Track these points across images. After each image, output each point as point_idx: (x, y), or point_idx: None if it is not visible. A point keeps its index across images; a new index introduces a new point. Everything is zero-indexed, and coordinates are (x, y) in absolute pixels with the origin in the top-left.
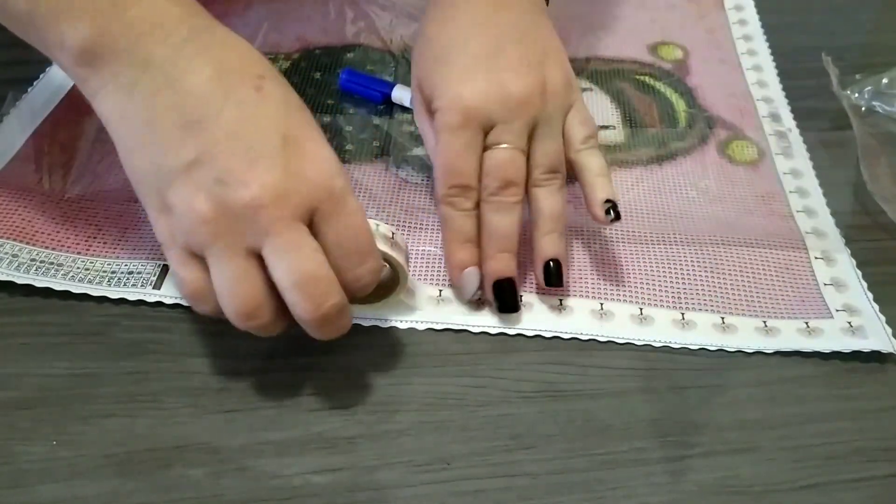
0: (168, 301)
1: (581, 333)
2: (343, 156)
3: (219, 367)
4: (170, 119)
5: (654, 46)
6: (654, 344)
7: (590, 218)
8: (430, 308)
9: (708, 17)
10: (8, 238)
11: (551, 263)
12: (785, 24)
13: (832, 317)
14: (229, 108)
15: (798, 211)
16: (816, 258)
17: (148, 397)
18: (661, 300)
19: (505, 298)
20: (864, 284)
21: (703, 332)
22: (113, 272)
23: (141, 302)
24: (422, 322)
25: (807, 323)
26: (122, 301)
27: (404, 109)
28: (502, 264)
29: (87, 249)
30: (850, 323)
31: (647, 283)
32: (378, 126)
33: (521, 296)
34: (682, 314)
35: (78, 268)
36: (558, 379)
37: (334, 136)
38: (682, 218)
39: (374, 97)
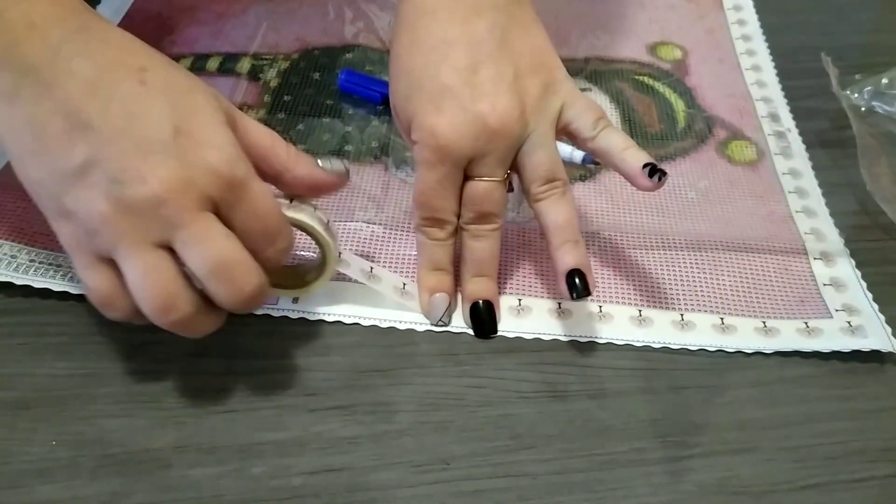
0: None
1: (580, 336)
2: (342, 156)
3: (219, 368)
4: (56, 125)
5: (653, 46)
6: (653, 345)
7: (588, 219)
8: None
9: (707, 17)
10: (7, 239)
11: (576, 278)
12: (784, 24)
13: (831, 317)
14: (114, 105)
15: (797, 211)
16: (816, 258)
17: (148, 397)
18: (660, 301)
19: (481, 320)
20: (864, 284)
21: (702, 333)
22: None
23: None
24: (422, 323)
25: (806, 323)
26: None
27: None
28: (479, 286)
29: None
30: (849, 323)
31: (646, 285)
32: (377, 127)
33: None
34: (682, 315)
35: None
36: (558, 379)
37: (333, 137)
38: (681, 218)
39: (373, 97)
